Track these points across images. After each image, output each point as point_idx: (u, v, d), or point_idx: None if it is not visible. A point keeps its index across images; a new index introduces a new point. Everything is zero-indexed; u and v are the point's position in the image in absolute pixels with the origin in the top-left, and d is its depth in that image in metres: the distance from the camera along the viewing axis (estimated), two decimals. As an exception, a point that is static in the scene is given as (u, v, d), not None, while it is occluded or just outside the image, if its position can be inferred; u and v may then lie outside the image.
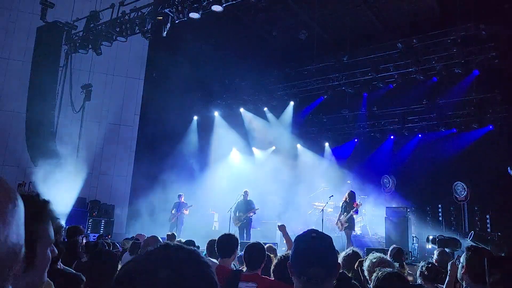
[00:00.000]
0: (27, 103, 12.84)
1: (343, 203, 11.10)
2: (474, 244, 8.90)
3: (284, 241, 5.57)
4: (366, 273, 3.48)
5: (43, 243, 1.08)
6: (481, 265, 2.70)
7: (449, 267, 3.68)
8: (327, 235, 1.79)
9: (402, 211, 12.26)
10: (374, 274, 2.61)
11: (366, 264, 3.52)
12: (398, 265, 4.12)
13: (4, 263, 0.64)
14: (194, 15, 10.14)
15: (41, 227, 1.10)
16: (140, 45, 14.30)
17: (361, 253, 4.21)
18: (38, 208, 1.11)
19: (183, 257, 0.80)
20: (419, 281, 4.03)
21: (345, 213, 10.81)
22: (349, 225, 10.76)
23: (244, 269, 3.52)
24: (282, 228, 5.09)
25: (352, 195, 11.05)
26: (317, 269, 1.63)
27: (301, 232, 1.81)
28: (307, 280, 1.64)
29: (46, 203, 1.16)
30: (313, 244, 1.69)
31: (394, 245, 6.12)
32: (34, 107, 12.59)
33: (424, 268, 3.97)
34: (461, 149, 13.37)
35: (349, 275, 3.55)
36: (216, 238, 4.55)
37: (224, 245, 3.85)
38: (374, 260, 3.47)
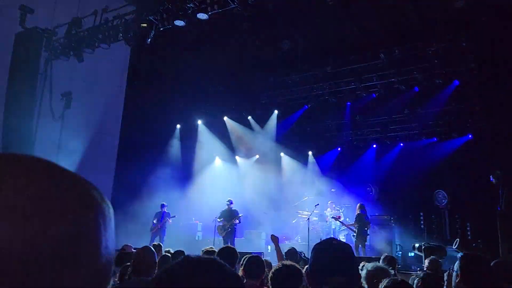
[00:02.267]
0: (4, 111, 12.43)
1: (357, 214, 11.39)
2: (460, 252, 9.02)
3: (275, 252, 5.49)
4: (364, 283, 3.44)
5: None
6: (476, 272, 2.70)
7: (445, 277, 3.69)
8: (347, 244, 1.75)
9: (386, 219, 12.38)
10: (381, 285, 2.57)
11: (363, 273, 3.48)
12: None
13: (106, 272, 0.56)
14: (179, 23, 10.07)
15: None
16: (122, 52, 14.08)
17: None
18: None
19: (215, 266, 0.85)
20: None
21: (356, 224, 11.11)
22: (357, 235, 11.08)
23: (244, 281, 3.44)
24: (274, 239, 5.01)
25: (361, 207, 11.32)
26: (339, 278, 1.57)
27: (320, 241, 1.77)
28: None
29: None
30: (334, 253, 1.64)
31: (386, 254, 6.12)
32: (12, 115, 12.21)
33: (424, 278, 3.97)
34: (442, 157, 13.62)
35: None
36: (204, 249, 4.46)
37: (225, 259, 3.72)
38: (371, 269, 3.44)
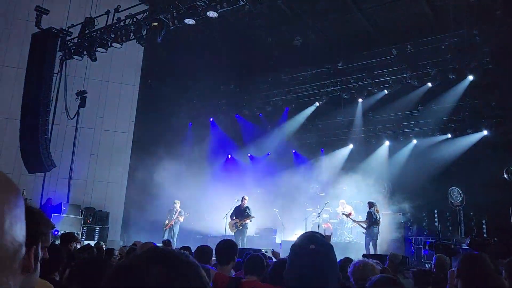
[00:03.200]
0: (21, 110, 12.75)
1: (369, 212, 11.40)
2: (470, 250, 8.91)
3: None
4: (352, 279, 3.44)
5: (42, 246, 1.11)
6: (474, 270, 2.70)
7: (448, 275, 3.68)
8: (327, 245, 1.59)
9: (398, 216, 12.27)
10: (369, 282, 2.57)
11: (350, 270, 3.49)
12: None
13: (6, 253, 0.64)
14: (189, 21, 10.16)
15: (42, 230, 1.14)
16: (135, 51, 14.28)
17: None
18: (38, 213, 1.17)
19: (174, 256, 0.80)
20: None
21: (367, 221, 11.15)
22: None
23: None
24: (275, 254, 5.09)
25: (371, 204, 11.29)
26: (313, 283, 1.48)
27: (298, 239, 1.62)
28: None
29: (41, 211, 1.24)
30: (311, 258, 1.51)
31: (391, 252, 6.10)
32: (28, 114, 12.51)
33: (414, 273, 3.97)
34: (456, 154, 13.42)
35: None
36: (205, 245, 4.51)
37: (223, 251, 3.74)
38: (357, 265, 3.45)
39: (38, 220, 1.20)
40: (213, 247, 4.29)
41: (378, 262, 3.85)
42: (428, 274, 4.04)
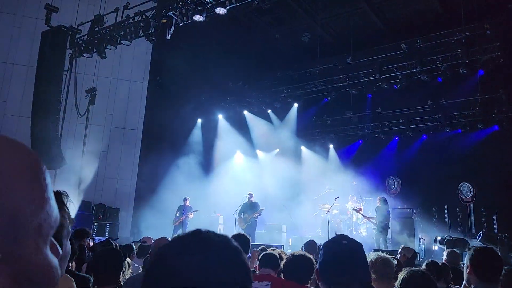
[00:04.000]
0: (32, 108, 12.87)
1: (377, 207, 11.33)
2: (481, 245, 8.85)
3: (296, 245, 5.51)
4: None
5: (66, 233, 1.07)
6: (487, 263, 2.68)
7: (462, 270, 3.66)
8: (358, 242, 1.68)
9: (408, 212, 12.23)
10: (400, 275, 2.56)
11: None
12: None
13: (50, 223, 0.62)
14: (198, 18, 10.16)
15: (64, 215, 1.09)
16: (144, 48, 14.33)
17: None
18: (59, 197, 1.11)
19: (215, 241, 0.78)
20: None
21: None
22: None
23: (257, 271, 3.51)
24: None
25: (381, 200, 11.21)
26: (347, 279, 1.54)
27: (331, 238, 1.73)
28: None
29: (62, 193, 1.16)
30: (343, 253, 1.60)
31: (403, 245, 6.08)
32: (39, 112, 12.62)
33: (427, 266, 3.95)
34: (467, 149, 13.33)
35: None
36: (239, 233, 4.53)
37: (239, 244, 3.74)
38: (373, 259, 3.44)
39: (64, 206, 1.15)
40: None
41: (393, 256, 3.86)
42: (441, 267, 4.02)
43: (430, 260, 4.16)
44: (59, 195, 1.12)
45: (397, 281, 2.51)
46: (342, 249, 1.61)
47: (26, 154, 0.62)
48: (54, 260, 0.63)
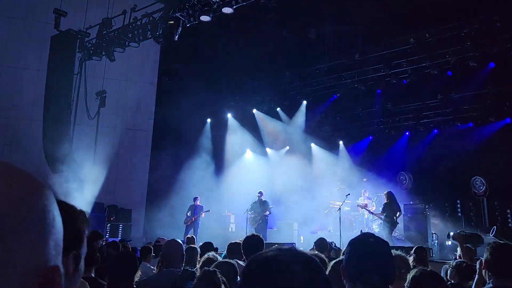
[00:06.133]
0: (43, 111, 13.04)
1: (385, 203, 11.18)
2: (497, 240, 8.74)
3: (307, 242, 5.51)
4: None
5: (83, 248, 1.08)
6: (504, 260, 2.66)
7: (477, 266, 3.63)
8: (385, 241, 1.71)
9: (421, 207, 12.13)
10: (408, 275, 2.56)
11: None
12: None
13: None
14: (205, 18, 10.19)
15: (83, 230, 1.11)
16: (152, 50, 14.41)
17: None
18: (78, 212, 1.13)
19: (308, 257, 0.95)
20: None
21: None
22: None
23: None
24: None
25: (389, 195, 11.10)
26: (373, 276, 1.55)
27: (357, 236, 1.75)
28: (363, 287, 1.56)
29: (82, 211, 1.18)
30: (370, 250, 1.62)
31: (418, 245, 6.05)
32: (50, 115, 12.78)
33: (458, 267, 3.91)
34: (478, 143, 13.17)
35: None
36: (235, 241, 4.56)
37: (251, 246, 3.78)
38: None
39: (77, 217, 1.12)
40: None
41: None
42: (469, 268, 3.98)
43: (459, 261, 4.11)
44: (83, 213, 1.15)
45: (406, 282, 2.50)
46: (370, 246, 1.63)
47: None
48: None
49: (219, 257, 4.01)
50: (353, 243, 1.69)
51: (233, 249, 4.26)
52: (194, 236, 8.64)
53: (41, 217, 0.60)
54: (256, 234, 4.25)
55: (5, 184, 0.58)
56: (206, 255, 3.91)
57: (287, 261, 0.90)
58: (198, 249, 4.96)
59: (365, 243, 1.65)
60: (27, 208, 0.58)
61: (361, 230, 11.63)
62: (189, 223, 12.72)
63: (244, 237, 3.92)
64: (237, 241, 4.42)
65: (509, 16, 10.72)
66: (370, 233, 1.75)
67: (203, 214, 12.84)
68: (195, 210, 12.84)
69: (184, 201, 13.37)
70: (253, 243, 3.81)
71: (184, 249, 4.03)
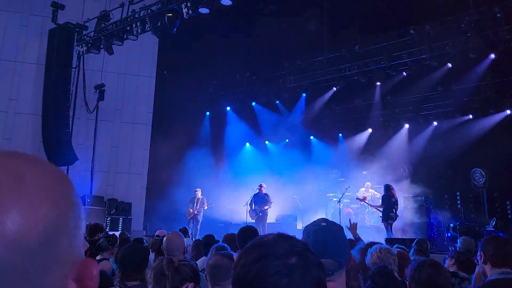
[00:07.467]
0: (42, 105, 13.01)
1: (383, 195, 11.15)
2: (495, 232, 8.78)
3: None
4: (371, 265, 3.44)
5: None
6: (499, 250, 2.66)
7: (478, 258, 3.64)
8: (338, 225, 1.72)
9: (420, 200, 12.14)
10: (410, 265, 2.57)
11: (367, 258, 3.49)
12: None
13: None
14: (203, 10, 10.13)
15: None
16: (151, 43, 14.33)
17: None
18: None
19: (302, 246, 0.97)
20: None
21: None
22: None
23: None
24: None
25: (387, 188, 11.07)
26: (328, 260, 1.55)
27: (311, 222, 1.75)
28: None
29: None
30: (323, 235, 1.62)
31: (419, 238, 6.07)
32: (49, 109, 12.75)
33: (457, 257, 3.93)
34: (478, 135, 13.15)
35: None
36: (231, 233, 4.57)
37: (246, 237, 3.80)
38: (373, 251, 3.46)
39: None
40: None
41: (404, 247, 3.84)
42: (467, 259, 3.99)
43: (458, 252, 4.12)
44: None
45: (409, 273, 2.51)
46: (322, 230, 1.64)
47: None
48: None
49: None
50: (306, 228, 1.70)
51: (229, 240, 4.28)
52: (186, 227, 8.56)
53: (76, 210, 0.60)
54: (249, 225, 4.27)
55: (54, 181, 0.59)
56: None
57: (283, 254, 0.93)
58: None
59: (318, 228, 1.65)
60: (69, 204, 0.59)
61: (350, 220, 11.69)
62: (192, 216, 12.69)
63: (239, 229, 3.94)
64: (233, 233, 4.44)
65: (509, 7, 10.65)
66: (323, 218, 1.75)
67: (205, 206, 12.82)
68: (196, 202, 12.82)
69: (184, 194, 13.37)
70: (248, 234, 3.84)
71: (184, 242, 4.03)
